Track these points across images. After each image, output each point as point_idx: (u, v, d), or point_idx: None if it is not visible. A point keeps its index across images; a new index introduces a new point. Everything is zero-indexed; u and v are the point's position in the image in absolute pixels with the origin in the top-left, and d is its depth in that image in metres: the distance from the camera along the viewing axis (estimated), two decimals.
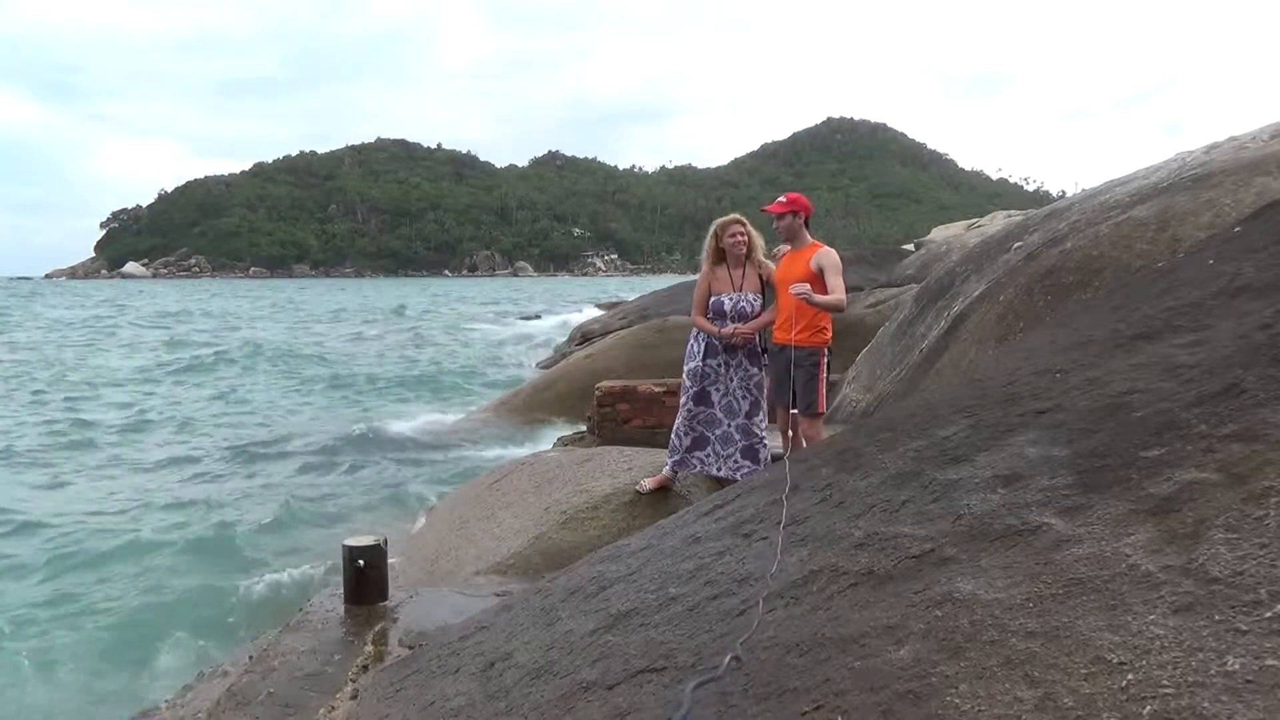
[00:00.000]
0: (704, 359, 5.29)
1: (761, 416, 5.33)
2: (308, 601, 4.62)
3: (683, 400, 5.39)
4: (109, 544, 8.41)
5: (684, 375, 5.42)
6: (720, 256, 5.29)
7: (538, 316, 45.48)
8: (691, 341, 5.39)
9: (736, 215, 5.34)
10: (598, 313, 31.63)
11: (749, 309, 5.21)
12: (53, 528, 8.87)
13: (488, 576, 4.95)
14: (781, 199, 5.13)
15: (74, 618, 6.74)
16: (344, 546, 4.36)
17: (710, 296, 5.30)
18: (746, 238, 5.23)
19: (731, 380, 5.28)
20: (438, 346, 30.77)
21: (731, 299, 5.22)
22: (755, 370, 5.27)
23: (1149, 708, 1.30)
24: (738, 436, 5.30)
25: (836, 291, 4.83)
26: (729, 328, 5.20)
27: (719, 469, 5.32)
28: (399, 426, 14.51)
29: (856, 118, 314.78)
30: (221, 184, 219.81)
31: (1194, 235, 5.81)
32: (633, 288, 53.08)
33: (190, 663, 5.62)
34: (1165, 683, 1.33)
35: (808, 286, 4.73)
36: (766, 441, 5.37)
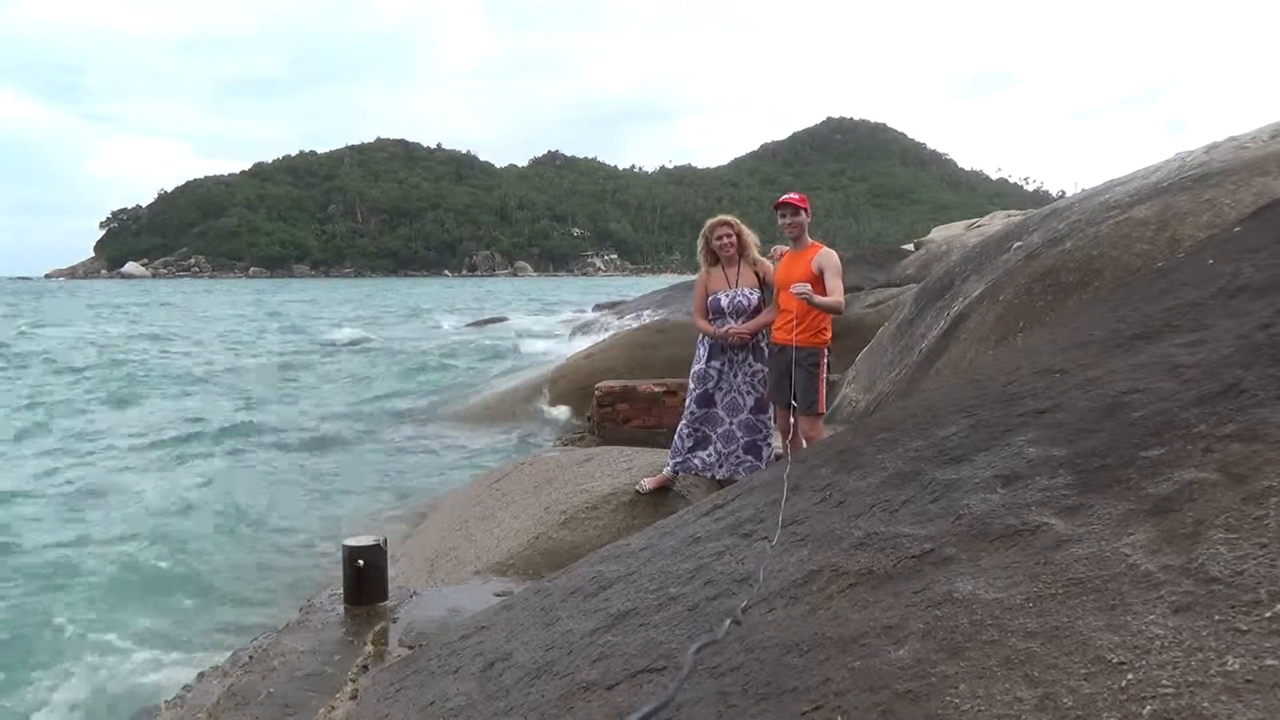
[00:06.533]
0: (708, 361, 5.30)
1: (767, 414, 5.33)
2: (307, 602, 4.62)
3: (687, 403, 5.40)
4: (86, 543, 8.41)
5: (689, 378, 5.42)
6: (715, 257, 5.34)
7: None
8: (698, 346, 5.41)
9: (724, 217, 5.36)
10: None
11: (746, 302, 5.24)
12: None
13: (488, 576, 4.96)
14: (793, 195, 5.14)
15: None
16: (344, 546, 4.37)
17: (708, 297, 5.33)
18: (735, 237, 5.26)
19: (736, 378, 5.29)
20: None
21: (728, 295, 5.26)
22: (759, 366, 5.28)
23: (1149, 708, 1.30)
24: (740, 433, 5.31)
25: (835, 293, 4.84)
26: (726, 326, 5.21)
27: (720, 469, 5.32)
28: (397, 425, 14.53)
29: (856, 118, 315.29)
30: (221, 184, 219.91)
31: (1194, 235, 5.81)
32: (637, 288, 53.05)
33: (187, 662, 5.62)
34: (1165, 683, 1.33)
35: (809, 287, 4.74)
36: (770, 440, 5.37)
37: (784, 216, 5.07)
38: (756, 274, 5.31)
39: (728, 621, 2.00)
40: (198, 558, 8.08)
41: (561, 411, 13.11)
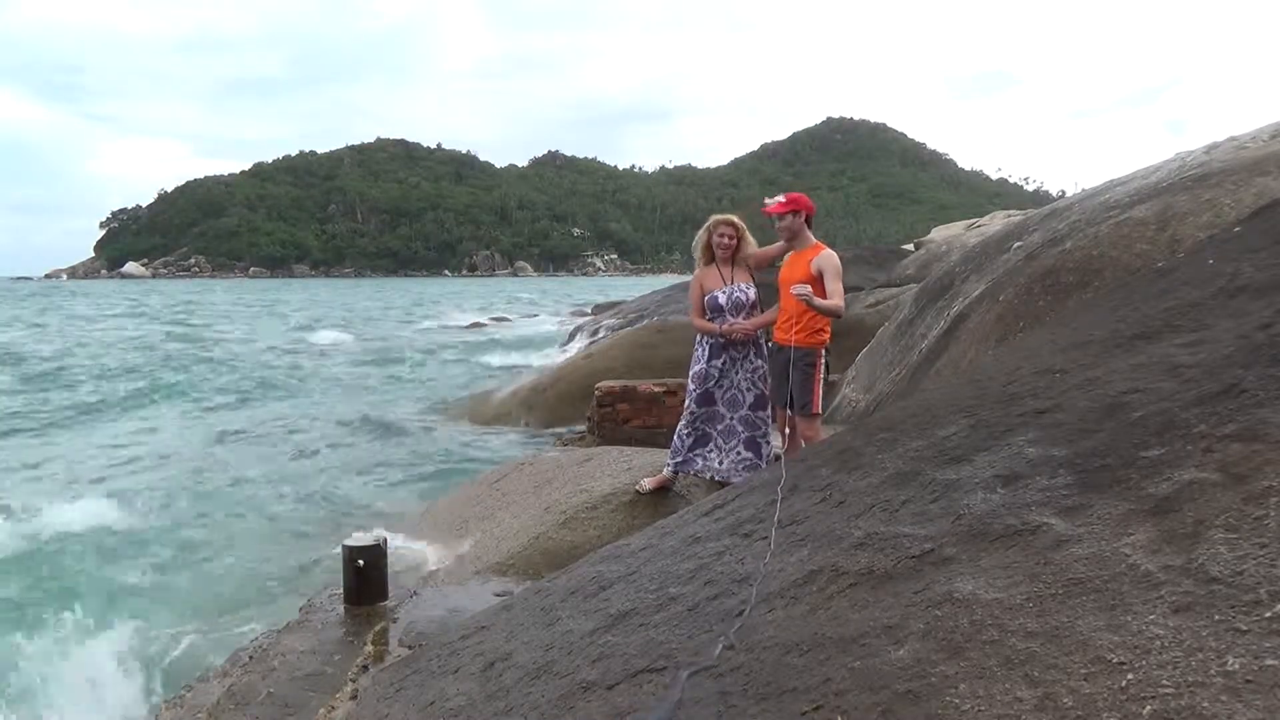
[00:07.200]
0: (708, 360, 5.29)
1: (767, 411, 5.33)
2: (307, 601, 4.62)
3: (687, 404, 5.39)
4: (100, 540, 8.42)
5: (689, 379, 5.42)
6: (711, 255, 5.34)
7: None
8: (697, 346, 5.41)
9: (730, 216, 5.37)
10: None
11: (744, 298, 5.25)
12: None
13: (488, 576, 4.95)
14: (781, 198, 5.11)
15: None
16: (344, 546, 4.37)
17: (704, 295, 5.32)
18: (735, 238, 5.26)
19: (736, 375, 5.29)
20: None
21: (725, 291, 5.26)
22: (760, 363, 5.28)
23: (1149, 708, 1.30)
24: (740, 429, 5.31)
25: (835, 296, 4.82)
26: (728, 323, 5.21)
27: (720, 465, 5.31)
28: (397, 426, 14.52)
29: (856, 118, 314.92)
30: (221, 184, 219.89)
31: (1194, 235, 5.81)
32: (637, 288, 53.16)
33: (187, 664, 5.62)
34: (1165, 683, 1.33)
35: (809, 289, 4.73)
36: (770, 437, 5.36)
37: (773, 223, 5.10)
38: (750, 268, 5.33)
39: (720, 646, 2.01)
40: (194, 557, 8.08)
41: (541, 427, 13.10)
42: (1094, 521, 1.78)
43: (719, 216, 5.40)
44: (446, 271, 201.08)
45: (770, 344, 5.23)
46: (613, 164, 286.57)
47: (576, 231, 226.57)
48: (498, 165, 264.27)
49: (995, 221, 17.89)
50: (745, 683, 1.84)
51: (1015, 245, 8.25)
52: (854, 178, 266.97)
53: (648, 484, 5.45)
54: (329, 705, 3.22)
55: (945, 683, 1.54)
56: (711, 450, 5.34)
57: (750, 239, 5.35)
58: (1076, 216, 7.68)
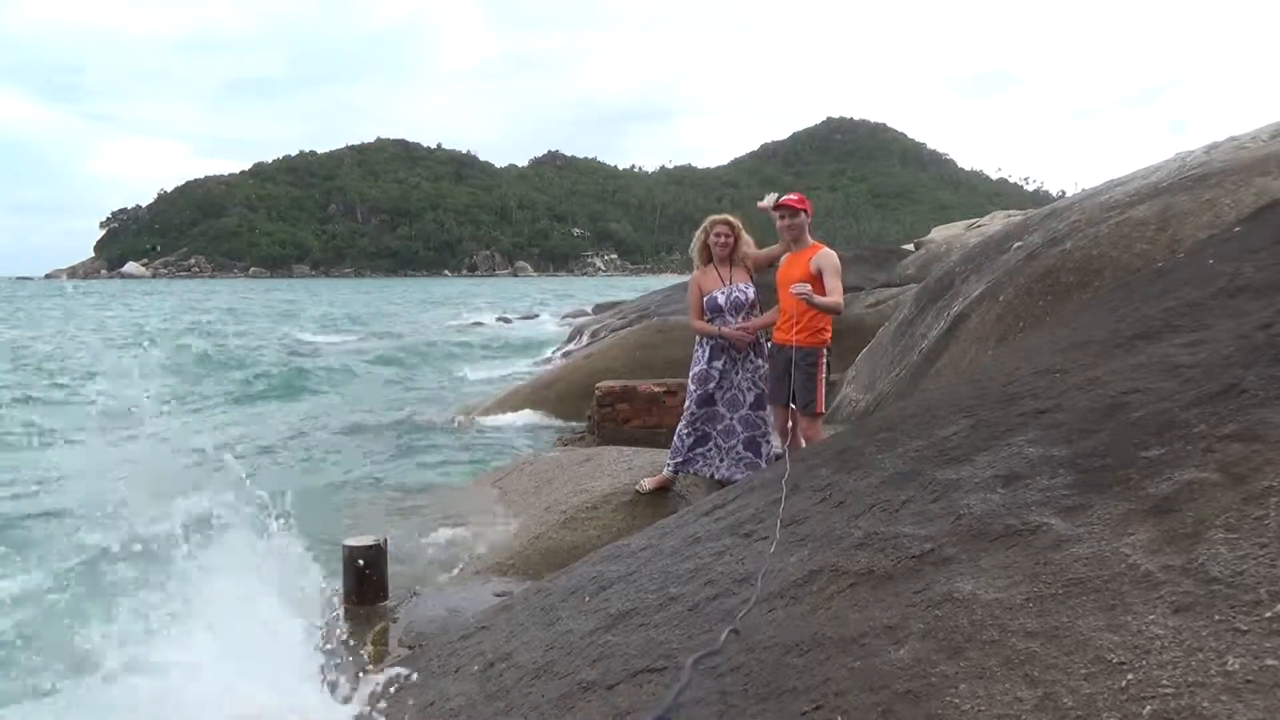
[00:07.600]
0: (709, 362, 5.29)
1: (766, 410, 5.34)
2: None
3: (687, 404, 5.40)
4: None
5: (689, 380, 5.42)
6: (709, 255, 5.35)
7: None
8: (697, 347, 5.41)
9: (726, 216, 5.39)
10: None
11: (743, 298, 5.25)
12: None
13: (488, 576, 4.95)
14: (792, 196, 5.15)
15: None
16: (344, 546, 4.38)
17: (704, 296, 5.32)
18: (732, 237, 5.27)
19: (737, 375, 5.30)
20: None
21: (725, 292, 5.26)
22: (761, 362, 5.29)
23: (1149, 708, 1.30)
24: (740, 429, 5.31)
25: (834, 294, 4.85)
26: (733, 325, 5.22)
27: (721, 462, 5.32)
28: (397, 427, 14.52)
29: (856, 118, 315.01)
30: (221, 184, 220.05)
31: (1194, 235, 5.81)
32: (637, 288, 53.01)
33: None
34: (1165, 683, 1.33)
35: (808, 287, 4.74)
36: (770, 437, 5.37)
37: (783, 218, 5.09)
38: (747, 267, 5.34)
39: (726, 631, 2.02)
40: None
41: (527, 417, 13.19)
42: (1094, 521, 1.78)
43: (715, 216, 5.42)
44: (446, 271, 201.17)
45: (770, 344, 5.24)
46: (613, 164, 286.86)
47: (576, 231, 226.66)
48: (498, 165, 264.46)
49: (995, 221, 17.87)
50: (745, 683, 1.84)
51: (1015, 245, 8.24)
52: (854, 178, 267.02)
53: (648, 484, 5.45)
54: None
55: (945, 683, 1.54)
56: (711, 450, 5.34)
57: (747, 238, 5.35)
58: (1076, 216, 7.68)
